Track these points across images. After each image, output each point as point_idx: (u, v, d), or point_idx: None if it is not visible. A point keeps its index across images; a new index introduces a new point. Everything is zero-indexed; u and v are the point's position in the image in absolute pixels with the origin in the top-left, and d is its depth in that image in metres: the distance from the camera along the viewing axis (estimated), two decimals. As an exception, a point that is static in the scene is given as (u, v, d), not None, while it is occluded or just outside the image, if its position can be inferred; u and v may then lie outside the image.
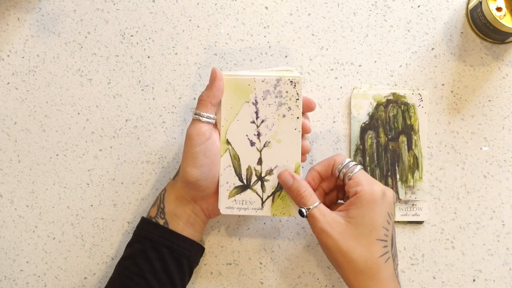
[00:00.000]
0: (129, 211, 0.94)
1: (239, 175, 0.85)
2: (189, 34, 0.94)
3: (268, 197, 0.86)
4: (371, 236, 0.79)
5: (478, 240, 0.92)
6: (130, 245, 0.86)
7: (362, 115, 0.93)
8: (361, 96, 0.92)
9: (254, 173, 0.85)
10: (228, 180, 0.85)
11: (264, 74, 0.84)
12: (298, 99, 0.84)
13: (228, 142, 0.85)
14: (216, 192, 0.85)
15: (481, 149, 0.92)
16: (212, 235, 0.93)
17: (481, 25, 0.90)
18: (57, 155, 0.94)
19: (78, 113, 0.94)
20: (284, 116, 0.84)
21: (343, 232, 0.80)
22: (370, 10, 0.94)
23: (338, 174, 0.84)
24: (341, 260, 0.80)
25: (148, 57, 0.94)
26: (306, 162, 0.92)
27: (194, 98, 0.94)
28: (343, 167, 0.83)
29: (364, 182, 0.81)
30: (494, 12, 0.88)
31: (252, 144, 0.85)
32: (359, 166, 0.83)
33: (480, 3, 0.88)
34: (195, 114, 0.83)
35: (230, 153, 0.85)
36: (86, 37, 0.94)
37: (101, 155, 0.94)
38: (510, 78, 0.93)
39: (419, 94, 0.92)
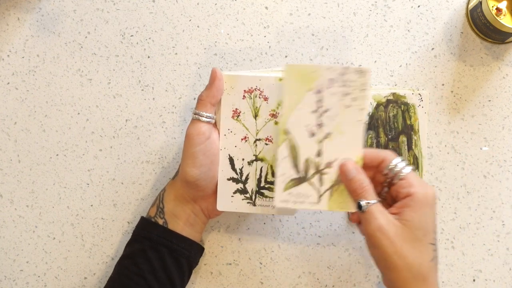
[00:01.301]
0: (129, 211, 0.94)
1: (296, 167, 0.82)
2: (189, 34, 0.94)
3: (326, 190, 0.82)
4: (424, 240, 0.78)
5: (478, 240, 0.92)
6: (129, 245, 0.86)
7: (362, 115, 0.93)
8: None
9: (312, 165, 0.82)
10: (284, 172, 0.81)
11: (264, 75, 0.84)
12: (364, 89, 0.80)
13: (287, 132, 0.81)
14: (215, 192, 0.85)
15: (481, 149, 0.92)
16: (212, 235, 0.93)
17: (481, 25, 0.90)
18: (57, 155, 0.94)
19: (78, 113, 0.94)
20: (348, 106, 0.81)
21: (400, 234, 0.77)
22: (370, 10, 0.94)
23: (387, 172, 0.81)
24: (396, 262, 0.77)
25: (148, 57, 0.94)
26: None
27: (194, 98, 0.94)
28: (395, 165, 0.80)
29: (417, 183, 0.79)
30: (494, 12, 0.88)
31: (313, 134, 0.81)
32: (410, 167, 0.80)
33: (480, 3, 0.88)
34: (194, 114, 0.83)
35: (288, 143, 0.81)
36: (86, 37, 0.94)
37: (101, 155, 0.94)
38: (510, 78, 0.93)
39: (419, 94, 0.92)
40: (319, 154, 0.81)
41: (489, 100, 0.92)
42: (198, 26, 0.94)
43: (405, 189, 0.79)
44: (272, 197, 0.85)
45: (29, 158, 0.94)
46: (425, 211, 0.78)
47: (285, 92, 0.81)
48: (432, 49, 0.93)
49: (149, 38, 0.94)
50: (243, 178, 0.85)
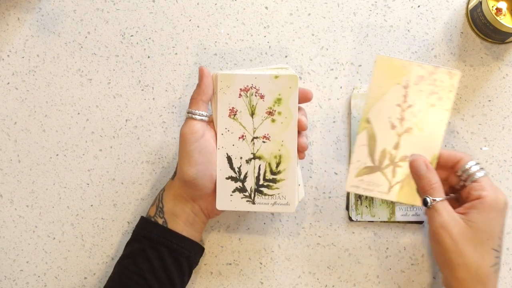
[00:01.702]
0: (129, 211, 0.94)
1: (371, 155, 0.84)
2: (189, 34, 0.94)
3: (397, 183, 0.84)
4: (487, 244, 0.79)
5: (478, 240, 0.92)
6: (129, 244, 0.86)
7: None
8: (361, 96, 0.92)
9: (388, 156, 0.84)
10: (359, 158, 0.84)
11: (260, 73, 0.84)
12: (452, 91, 0.82)
13: (368, 121, 0.84)
14: (214, 191, 0.85)
15: (481, 149, 0.92)
16: (212, 235, 0.93)
17: (481, 25, 0.90)
18: (57, 155, 0.94)
19: (78, 113, 0.94)
20: (433, 105, 0.83)
21: (462, 234, 0.79)
22: (370, 10, 0.94)
23: (461, 173, 0.82)
24: (455, 261, 0.79)
25: (148, 57, 0.94)
26: (306, 161, 0.92)
27: (194, 98, 0.94)
28: (470, 167, 0.82)
29: (489, 187, 0.80)
30: (494, 12, 0.88)
31: (393, 127, 0.83)
32: (484, 171, 0.82)
33: (480, 3, 0.88)
34: (188, 113, 0.83)
35: (368, 132, 0.84)
36: (86, 37, 0.94)
37: (101, 155, 0.94)
38: (510, 78, 0.92)
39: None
40: (396, 147, 0.84)
41: (489, 100, 0.92)
42: (198, 26, 0.94)
43: (476, 192, 0.80)
44: (271, 195, 0.85)
45: (29, 158, 0.94)
46: (492, 215, 0.79)
47: (372, 82, 0.83)
48: (432, 49, 0.93)
49: (149, 38, 0.94)
50: (242, 176, 0.85)
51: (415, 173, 0.83)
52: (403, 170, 0.84)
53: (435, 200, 0.81)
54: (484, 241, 0.79)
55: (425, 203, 0.81)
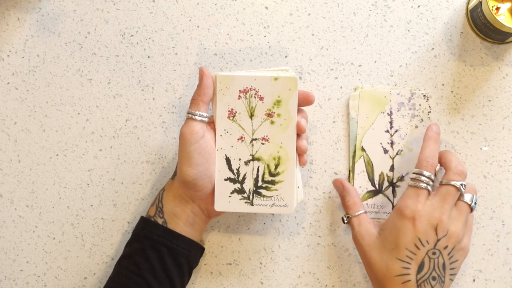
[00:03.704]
0: (129, 211, 0.94)
1: (371, 180, 0.91)
2: (189, 34, 0.94)
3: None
4: (392, 253, 0.81)
5: (478, 240, 0.92)
6: (129, 245, 0.86)
7: (362, 115, 0.93)
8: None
9: (386, 179, 0.90)
10: (361, 184, 0.91)
11: (259, 75, 0.84)
12: (430, 111, 0.90)
13: (363, 149, 0.91)
14: (214, 192, 0.85)
15: (481, 149, 0.92)
16: (212, 235, 0.93)
17: (481, 25, 0.90)
18: (57, 155, 0.94)
19: (78, 113, 0.94)
20: (416, 127, 0.90)
21: (371, 243, 0.83)
22: (370, 10, 0.93)
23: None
24: (367, 270, 0.84)
25: (148, 57, 0.94)
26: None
27: (194, 98, 0.94)
28: (442, 180, 0.84)
29: (405, 196, 0.83)
30: (494, 12, 0.88)
31: (386, 151, 0.90)
32: (431, 182, 0.82)
33: (480, 3, 0.88)
34: (188, 113, 0.83)
35: (364, 159, 0.90)
36: (86, 37, 0.94)
37: (101, 155, 0.94)
38: (510, 78, 0.92)
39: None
40: (391, 169, 0.91)
41: (489, 100, 0.92)
42: (198, 26, 0.94)
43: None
44: (269, 196, 0.85)
45: (29, 158, 0.94)
46: (398, 225, 0.81)
47: (360, 113, 0.91)
48: (432, 49, 0.93)
49: (149, 38, 0.94)
50: (240, 178, 0.85)
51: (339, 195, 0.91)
52: (402, 189, 0.90)
53: (348, 217, 0.86)
54: (389, 250, 0.81)
55: (343, 221, 0.88)
